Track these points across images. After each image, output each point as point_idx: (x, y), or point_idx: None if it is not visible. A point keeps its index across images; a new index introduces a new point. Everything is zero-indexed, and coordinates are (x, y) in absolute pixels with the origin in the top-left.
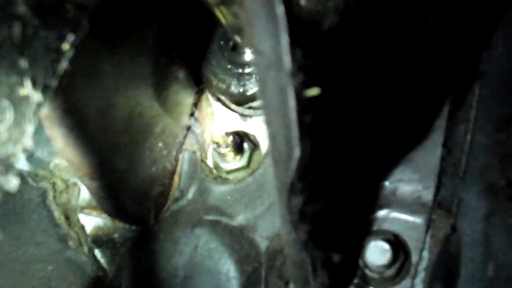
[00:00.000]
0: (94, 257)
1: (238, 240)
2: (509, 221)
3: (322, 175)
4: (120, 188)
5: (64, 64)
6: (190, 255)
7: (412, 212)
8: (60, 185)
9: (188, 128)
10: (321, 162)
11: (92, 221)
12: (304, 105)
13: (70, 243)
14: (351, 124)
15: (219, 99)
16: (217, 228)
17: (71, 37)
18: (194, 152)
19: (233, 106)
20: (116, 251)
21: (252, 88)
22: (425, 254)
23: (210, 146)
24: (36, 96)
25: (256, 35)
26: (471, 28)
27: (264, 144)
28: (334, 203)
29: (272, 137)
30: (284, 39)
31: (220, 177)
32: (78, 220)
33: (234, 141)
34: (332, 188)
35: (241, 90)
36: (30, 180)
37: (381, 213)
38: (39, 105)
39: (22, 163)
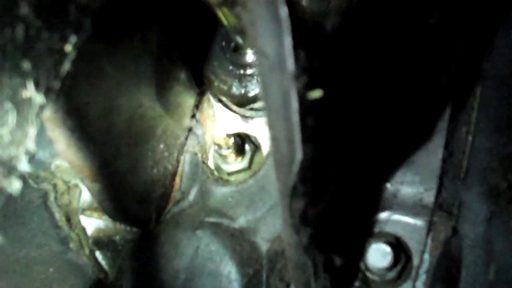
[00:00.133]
0: (95, 259)
1: (239, 242)
2: (511, 223)
3: (324, 177)
4: (122, 190)
5: (66, 66)
6: (191, 257)
7: (413, 214)
8: (61, 187)
9: (190, 130)
10: (323, 164)
11: (93, 223)
12: (307, 108)
13: (71, 245)
14: (353, 126)
15: (220, 101)
16: (218, 230)
17: (73, 39)
18: (195, 154)
19: (234, 107)
20: (117, 253)
21: (253, 90)
22: (426, 256)
23: (211, 147)
24: (39, 98)
25: (259, 37)
26: (473, 30)
27: (265, 146)
28: (336, 205)
29: (275, 140)
30: (288, 41)
31: (221, 179)
32: (79, 222)
33: (235, 142)
34: (334, 190)
35: (243, 91)
36: (31, 181)
37: (382, 215)
38: (42, 107)
39: (23, 165)
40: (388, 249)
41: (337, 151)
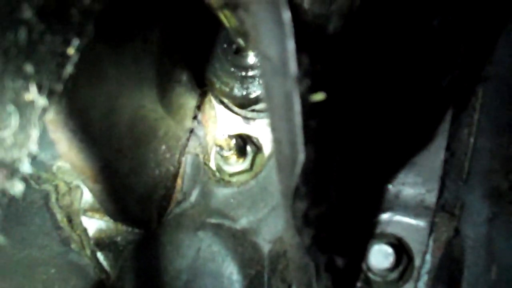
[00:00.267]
0: (97, 260)
1: (241, 243)
2: None
3: (326, 179)
4: (123, 191)
5: (69, 69)
6: (193, 258)
7: (415, 215)
8: (62, 188)
9: (191, 131)
10: (326, 166)
11: (94, 224)
12: (309, 110)
13: (73, 245)
14: (355, 128)
15: (222, 102)
16: (220, 231)
17: (76, 42)
18: (197, 155)
19: (236, 109)
20: (118, 254)
21: (255, 91)
22: (428, 257)
23: (213, 149)
24: (42, 101)
25: (261, 40)
26: (475, 32)
27: (267, 147)
28: (338, 206)
29: (277, 142)
30: (291, 44)
31: (223, 180)
32: (80, 223)
33: (237, 144)
34: (336, 192)
35: (244, 93)
36: (32, 182)
37: (384, 216)
38: (44, 110)
39: (25, 167)
40: (390, 250)
41: (339, 152)
